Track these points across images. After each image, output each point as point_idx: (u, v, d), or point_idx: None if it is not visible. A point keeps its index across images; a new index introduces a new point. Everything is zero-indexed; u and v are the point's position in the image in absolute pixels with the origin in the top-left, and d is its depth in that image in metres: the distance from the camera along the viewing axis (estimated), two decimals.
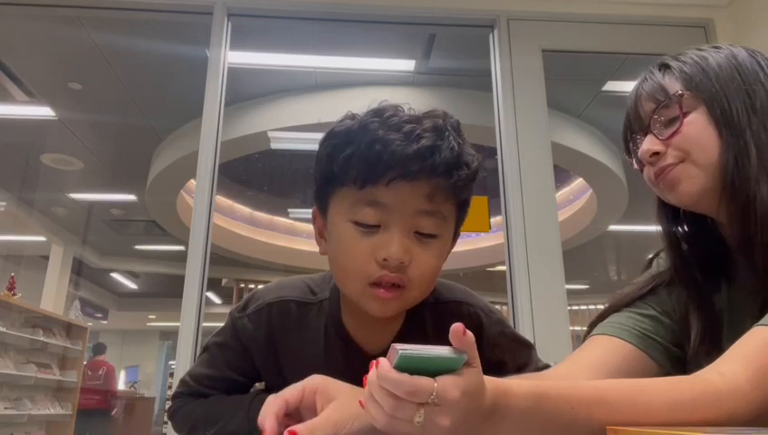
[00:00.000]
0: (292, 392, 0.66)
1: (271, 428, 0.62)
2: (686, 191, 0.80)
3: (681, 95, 0.80)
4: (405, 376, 0.48)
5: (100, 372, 6.98)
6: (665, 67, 0.84)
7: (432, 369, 0.49)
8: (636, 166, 0.88)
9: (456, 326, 0.49)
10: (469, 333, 0.49)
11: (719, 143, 0.77)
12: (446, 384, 0.48)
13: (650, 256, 0.95)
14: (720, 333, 0.82)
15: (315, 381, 0.66)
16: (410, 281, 0.76)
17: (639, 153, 0.84)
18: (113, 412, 6.89)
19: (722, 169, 0.77)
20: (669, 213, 0.88)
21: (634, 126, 0.86)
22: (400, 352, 0.48)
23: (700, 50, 0.84)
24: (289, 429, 0.59)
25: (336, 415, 0.60)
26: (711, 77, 0.80)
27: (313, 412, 0.64)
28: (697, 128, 0.79)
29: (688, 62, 0.82)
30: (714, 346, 0.80)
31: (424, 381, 0.48)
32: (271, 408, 0.64)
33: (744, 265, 0.80)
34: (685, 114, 0.79)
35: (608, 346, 0.82)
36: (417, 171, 0.72)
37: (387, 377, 0.48)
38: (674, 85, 0.81)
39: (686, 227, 0.88)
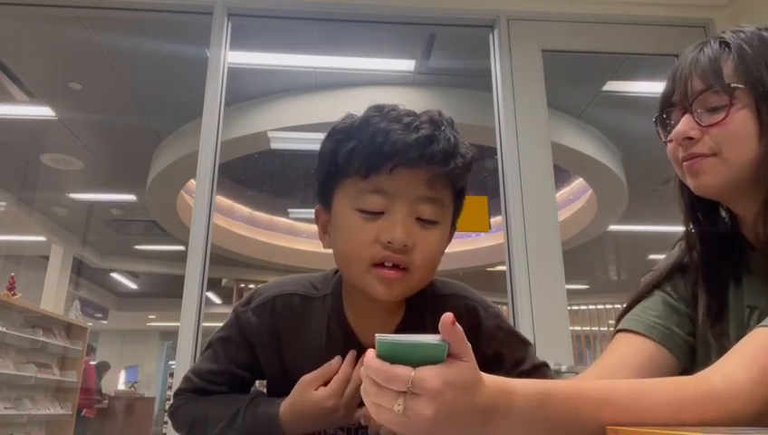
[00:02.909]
0: None
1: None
2: (708, 183, 0.79)
3: (735, 88, 0.77)
4: (383, 363, 0.50)
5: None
6: (725, 45, 0.80)
7: (417, 358, 0.50)
8: (662, 138, 0.86)
9: (446, 316, 0.50)
10: (458, 325, 0.50)
11: (757, 146, 0.76)
12: (426, 374, 0.49)
13: (662, 254, 0.96)
14: (725, 309, 0.83)
15: None
16: (413, 264, 0.78)
17: (674, 133, 0.81)
18: (83, 412, 6.64)
19: (759, 173, 0.76)
20: (690, 193, 0.86)
21: (675, 98, 0.83)
22: (379, 339, 0.50)
23: (761, 31, 0.80)
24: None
25: None
26: None
27: None
28: (741, 125, 0.76)
29: (752, 47, 0.78)
30: (718, 321, 0.82)
31: (401, 369, 0.49)
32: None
33: (757, 258, 0.81)
34: (732, 106, 0.77)
35: (631, 345, 0.84)
36: (417, 159, 0.76)
37: (368, 365, 0.51)
38: (730, 72, 0.78)
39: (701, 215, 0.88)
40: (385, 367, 0.50)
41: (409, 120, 0.78)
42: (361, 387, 0.53)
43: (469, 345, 0.52)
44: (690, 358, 0.84)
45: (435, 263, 0.82)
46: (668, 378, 0.64)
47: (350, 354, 0.85)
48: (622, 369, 0.80)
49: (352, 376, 0.83)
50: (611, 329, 0.94)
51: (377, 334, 0.51)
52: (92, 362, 7.42)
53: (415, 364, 0.50)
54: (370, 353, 0.51)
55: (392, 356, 0.50)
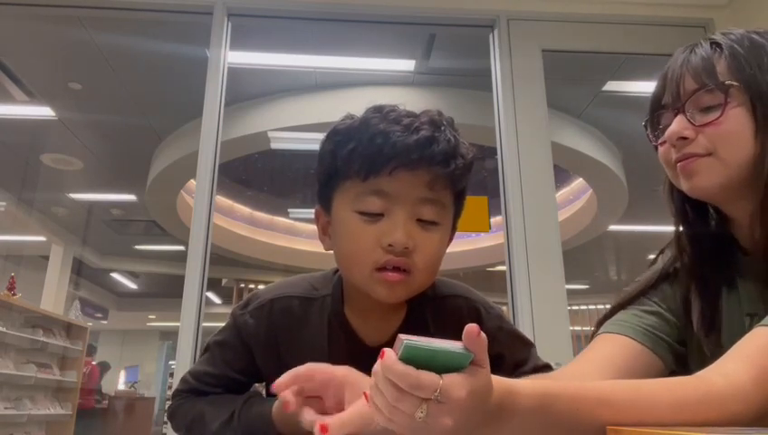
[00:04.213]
0: (323, 369, 0.71)
1: (283, 382, 0.71)
2: (702, 185, 0.78)
3: (729, 86, 0.75)
4: (410, 369, 0.48)
5: (85, 371, 6.98)
6: (716, 45, 0.78)
7: (437, 364, 0.48)
8: (652, 141, 0.84)
9: (471, 327, 0.48)
10: (483, 334, 0.49)
11: (753, 144, 0.74)
12: (453, 383, 0.48)
13: (654, 255, 0.94)
14: (719, 316, 0.82)
15: (346, 372, 0.70)
16: (415, 266, 0.78)
17: (667, 133, 0.79)
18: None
19: (754, 172, 0.74)
20: (681, 196, 0.84)
21: (667, 99, 0.81)
22: (405, 342, 0.48)
23: (750, 33, 0.79)
24: (321, 422, 0.62)
25: (366, 410, 0.60)
26: (765, 71, 0.75)
27: (340, 403, 0.68)
28: (735, 125, 0.75)
29: (743, 47, 0.77)
30: (712, 330, 0.80)
31: (429, 376, 0.47)
32: (295, 369, 0.72)
33: (751, 262, 0.80)
34: (727, 104, 0.75)
35: (615, 344, 0.81)
36: (417, 160, 0.76)
37: (392, 368, 0.48)
38: (723, 71, 0.76)
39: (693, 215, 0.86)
40: (411, 372, 0.47)
41: (409, 122, 0.77)
42: (372, 386, 0.51)
43: (487, 352, 0.51)
44: (678, 363, 0.83)
45: (436, 264, 0.82)
46: (669, 378, 0.64)
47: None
48: (604, 369, 0.77)
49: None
50: None
51: (401, 336, 0.49)
52: (93, 362, 7.42)
53: (435, 370, 0.48)
54: (391, 355, 0.48)
55: (415, 360, 0.48)
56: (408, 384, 0.47)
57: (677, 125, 0.78)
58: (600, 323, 0.87)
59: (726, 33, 0.80)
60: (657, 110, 0.83)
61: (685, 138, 0.77)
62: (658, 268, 0.89)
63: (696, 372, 0.65)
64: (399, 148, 0.75)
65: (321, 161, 0.84)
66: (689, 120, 0.78)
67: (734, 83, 0.75)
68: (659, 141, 0.83)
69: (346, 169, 0.79)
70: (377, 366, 0.50)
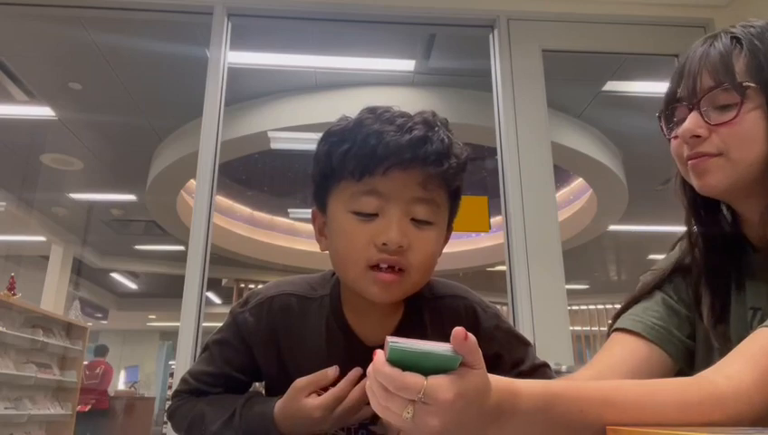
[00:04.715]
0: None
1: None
2: (713, 184, 0.77)
3: (747, 87, 0.74)
4: (395, 371, 0.49)
5: (98, 371, 7.00)
6: (735, 40, 0.77)
7: (427, 365, 0.49)
8: (666, 134, 0.84)
9: (457, 331, 0.49)
10: (471, 336, 0.49)
11: (766, 146, 0.74)
12: (439, 384, 0.48)
13: (653, 254, 0.95)
14: (727, 310, 0.82)
15: None
16: (409, 265, 0.78)
17: (680, 130, 0.79)
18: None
19: (765, 173, 0.74)
20: (692, 191, 0.84)
21: (682, 93, 0.80)
22: (391, 344, 0.49)
23: None
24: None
25: None
26: None
27: None
28: (750, 127, 0.74)
29: (764, 43, 0.76)
30: (721, 322, 0.80)
31: (414, 377, 0.48)
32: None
33: (759, 259, 0.80)
34: (743, 105, 0.74)
35: (628, 346, 0.82)
36: (410, 160, 0.76)
37: (379, 370, 0.49)
38: (742, 70, 0.75)
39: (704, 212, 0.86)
40: (396, 374, 0.49)
41: (402, 122, 0.78)
42: (367, 386, 0.52)
43: (480, 353, 0.51)
44: (686, 360, 0.84)
45: (431, 263, 0.82)
46: (673, 379, 0.64)
47: (353, 373, 0.82)
48: (617, 371, 0.78)
49: (349, 396, 0.80)
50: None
51: (388, 338, 0.49)
52: (105, 361, 7.43)
53: (425, 372, 0.49)
54: (380, 357, 0.50)
55: (403, 363, 0.49)
56: (394, 386, 0.49)
57: (691, 123, 0.78)
58: (616, 317, 0.88)
59: (746, 25, 0.79)
60: (672, 102, 0.82)
61: (698, 136, 0.77)
62: (673, 260, 0.89)
63: (701, 365, 0.65)
64: (393, 147, 0.76)
65: (316, 163, 0.84)
66: (704, 118, 0.77)
67: (752, 84, 0.75)
68: (672, 135, 0.82)
69: (341, 170, 0.79)
70: (370, 366, 0.51)
